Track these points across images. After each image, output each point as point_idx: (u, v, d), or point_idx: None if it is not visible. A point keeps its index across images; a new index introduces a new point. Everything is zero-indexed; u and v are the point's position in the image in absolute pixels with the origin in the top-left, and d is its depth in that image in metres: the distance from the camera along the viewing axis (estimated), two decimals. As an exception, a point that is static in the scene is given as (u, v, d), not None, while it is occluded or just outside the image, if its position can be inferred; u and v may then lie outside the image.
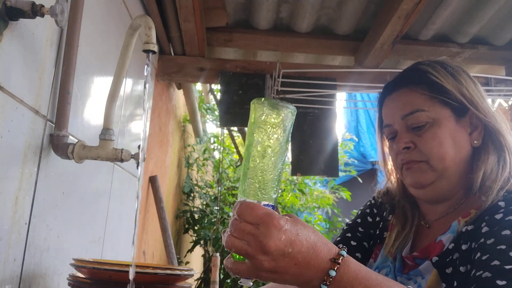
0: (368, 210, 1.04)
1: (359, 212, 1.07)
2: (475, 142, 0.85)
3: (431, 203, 0.90)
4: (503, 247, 0.69)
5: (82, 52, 1.14)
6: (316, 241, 0.61)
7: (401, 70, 0.95)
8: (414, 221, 0.92)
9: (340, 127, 5.23)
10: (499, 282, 0.65)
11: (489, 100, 0.86)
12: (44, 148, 1.03)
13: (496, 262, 0.68)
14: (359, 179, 4.24)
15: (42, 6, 0.87)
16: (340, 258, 0.60)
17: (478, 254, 0.72)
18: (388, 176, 1.00)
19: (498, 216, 0.75)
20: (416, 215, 0.94)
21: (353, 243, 0.99)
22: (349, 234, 1.01)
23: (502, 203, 0.77)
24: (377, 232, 0.99)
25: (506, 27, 2.41)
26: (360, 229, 1.02)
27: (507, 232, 0.71)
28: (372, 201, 1.06)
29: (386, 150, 0.98)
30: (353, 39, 2.52)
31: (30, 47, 0.94)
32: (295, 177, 4.03)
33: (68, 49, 1.08)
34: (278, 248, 0.58)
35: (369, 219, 1.03)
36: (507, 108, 2.77)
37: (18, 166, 0.92)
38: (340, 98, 3.16)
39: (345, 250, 0.62)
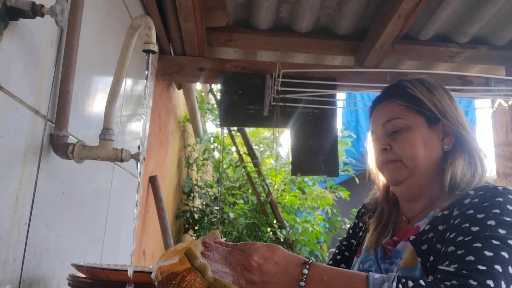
0: (352, 225, 1.20)
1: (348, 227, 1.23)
2: (445, 146, 0.97)
3: (409, 201, 1.02)
4: (467, 225, 0.80)
5: (82, 52, 1.14)
6: (288, 255, 0.78)
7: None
8: (391, 218, 1.05)
9: (338, 126, 5.22)
10: (459, 252, 0.76)
11: (461, 112, 1.01)
12: (44, 148, 1.03)
13: (460, 238, 0.78)
14: (356, 180, 4.23)
15: (42, 6, 0.87)
16: (310, 261, 0.77)
17: (448, 234, 0.83)
18: (376, 180, 1.12)
19: (467, 201, 0.86)
20: (394, 213, 1.06)
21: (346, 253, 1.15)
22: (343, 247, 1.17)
23: (472, 192, 0.88)
24: (360, 234, 1.11)
25: (506, 27, 2.41)
26: (344, 242, 1.18)
27: (471, 211, 0.82)
28: (355, 219, 1.20)
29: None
30: (353, 39, 2.52)
31: (30, 47, 0.94)
32: (294, 177, 4.03)
33: (68, 49, 1.08)
34: (260, 261, 0.76)
35: (350, 231, 1.19)
36: (507, 108, 2.77)
37: (18, 166, 0.92)
38: (340, 98, 3.16)
39: (313, 260, 0.78)
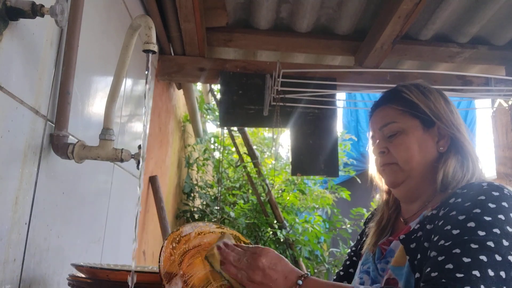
0: (361, 232, 1.22)
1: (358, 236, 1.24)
2: (440, 148, 0.99)
3: (407, 203, 1.04)
4: (449, 227, 0.81)
5: (82, 52, 1.14)
6: (290, 266, 0.86)
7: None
8: (390, 221, 1.08)
9: (339, 127, 5.23)
10: (439, 258, 0.77)
11: (457, 115, 1.04)
12: (44, 148, 1.03)
13: (441, 242, 0.79)
14: (358, 179, 4.24)
15: (42, 6, 0.87)
16: (306, 274, 0.84)
17: (433, 236, 0.84)
18: (378, 184, 1.14)
19: (451, 200, 0.87)
20: (394, 216, 1.09)
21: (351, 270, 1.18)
22: (355, 258, 1.18)
23: (458, 191, 0.89)
24: (364, 239, 1.13)
25: (506, 27, 2.41)
26: (353, 248, 1.21)
27: (453, 213, 0.83)
28: (364, 225, 1.22)
29: None
30: (353, 39, 2.52)
31: (30, 47, 0.94)
32: (295, 177, 4.03)
33: (68, 49, 1.08)
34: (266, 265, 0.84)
35: (358, 237, 1.21)
36: (507, 108, 2.77)
37: (18, 166, 0.92)
38: (340, 98, 3.16)
39: (309, 274, 0.86)
